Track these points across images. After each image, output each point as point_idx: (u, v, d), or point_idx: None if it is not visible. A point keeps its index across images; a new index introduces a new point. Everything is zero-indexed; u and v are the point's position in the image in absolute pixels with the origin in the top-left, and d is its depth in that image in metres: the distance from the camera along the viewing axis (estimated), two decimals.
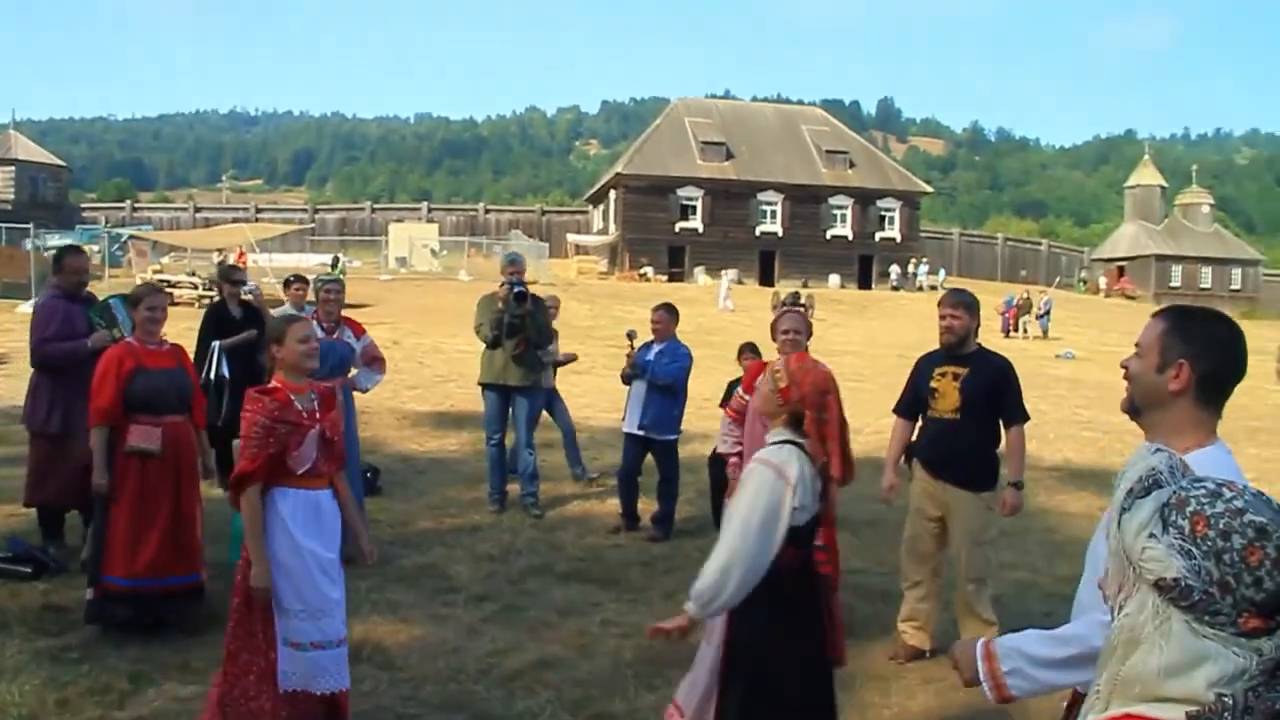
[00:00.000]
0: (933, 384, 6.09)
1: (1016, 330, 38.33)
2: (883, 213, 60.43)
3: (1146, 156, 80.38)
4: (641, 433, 8.66)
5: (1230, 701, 1.49)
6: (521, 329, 8.99)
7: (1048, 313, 39.10)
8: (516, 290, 8.95)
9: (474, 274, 45.77)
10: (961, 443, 5.96)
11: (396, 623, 6.22)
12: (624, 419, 8.92)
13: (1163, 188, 76.21)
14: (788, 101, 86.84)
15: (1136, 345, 2.63)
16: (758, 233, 58.74)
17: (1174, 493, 1.60)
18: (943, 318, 6.15)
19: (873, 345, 31.49)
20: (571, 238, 62.81)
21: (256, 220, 59.77)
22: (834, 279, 56.45)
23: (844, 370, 19.44)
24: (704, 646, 4.03)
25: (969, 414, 5.95)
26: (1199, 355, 2.49)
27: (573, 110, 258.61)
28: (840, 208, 59.71)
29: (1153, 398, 2.56)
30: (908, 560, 6.25)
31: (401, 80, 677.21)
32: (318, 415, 4.47)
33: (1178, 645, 1.54)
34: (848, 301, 47.19)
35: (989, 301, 48.26)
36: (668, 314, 8.92)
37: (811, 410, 3.72)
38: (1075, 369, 28.00)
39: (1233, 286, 71.38)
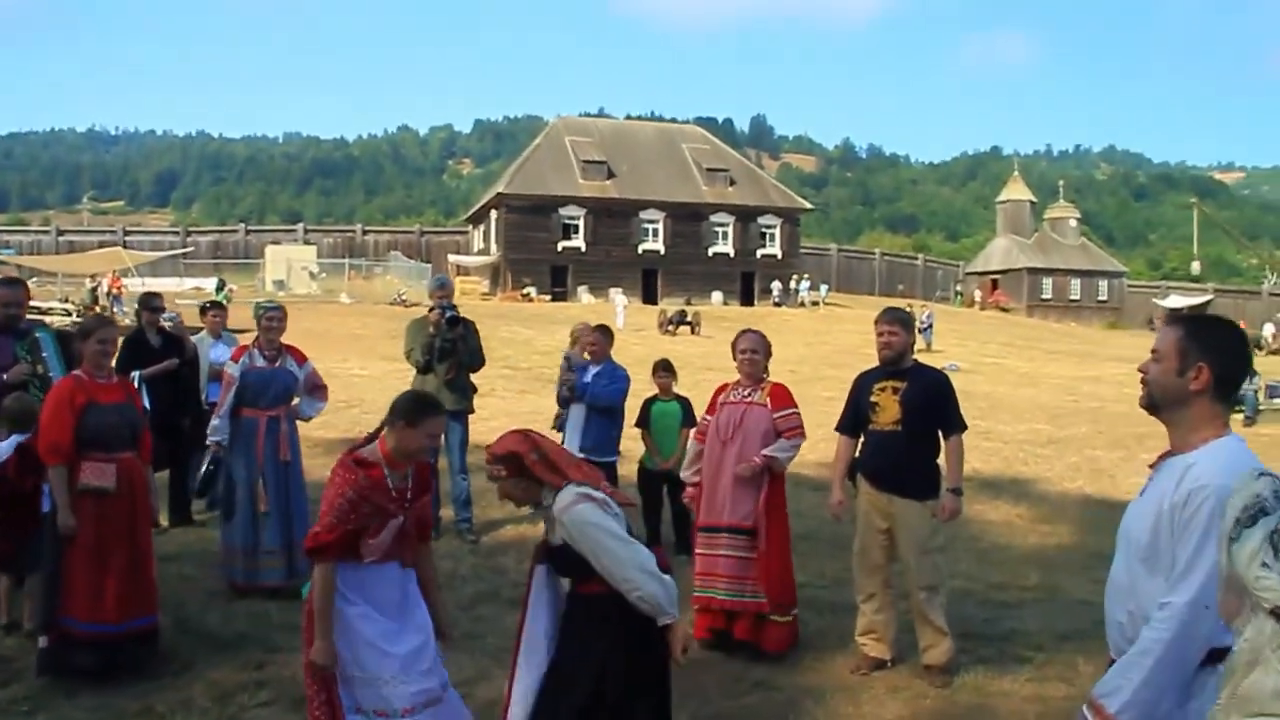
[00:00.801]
0: (873, 399, 6.21)
1: None
2: (764, 230, 61.30)
3: (1016, 173, 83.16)
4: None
5: None
6: (453, 353, 8.90)
7: (930, 326, 40.04)
8: (449, 315, 8.87)
9: (355, 296, 45.07)
10: (904, 454, 6.10)
11: None
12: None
13: (1032, 203, 78.86)
14: (662, 119, 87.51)
15: (1154, 350, 2.93)
16: (640, 251, 59.03)
17: None
18: (880, 334, 6.28)
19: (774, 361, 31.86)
20: (453, 258, 62.20)
21: (125, 243, 57.83)
22: (716, 296, 57.02)
23: None
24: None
25: (910, 426, 6.09)
26: (1215, 358, 2.82)
27: (446, 129, 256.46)
28: (721, 225, 60.40)
29: (1173, 397, 2.87)
30: (860, 573, 6.33)
31: (269, 98, 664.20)
32: (408, 497, 4.22)
33: None
34: (732, 318, 47.59)
35: (870, 316, 49.56)
36: (603, 335, 8.94)
37: (528, 457, 3.85)
38: (963, 381, 28.57)
39: (1100, 298, 74.19)
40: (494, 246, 59.65)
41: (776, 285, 58.40)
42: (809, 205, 68.80)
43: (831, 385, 19.10)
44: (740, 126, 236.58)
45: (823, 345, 37.18)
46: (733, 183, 61.68)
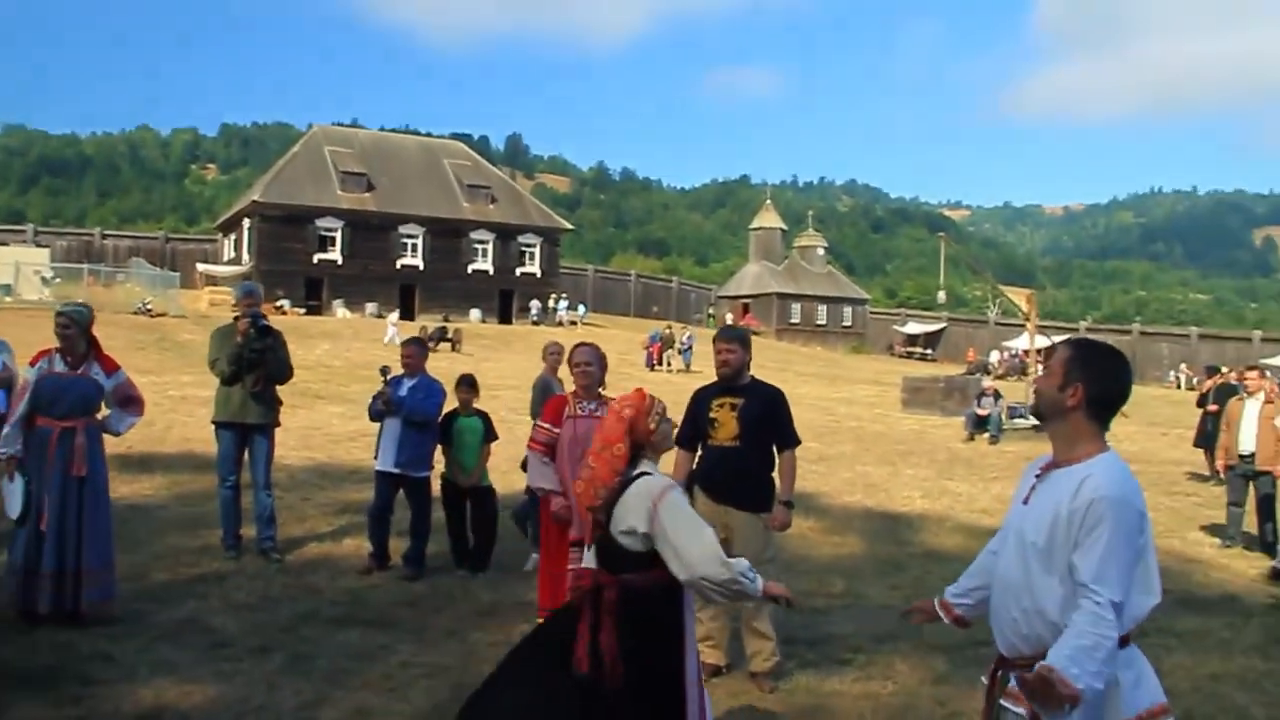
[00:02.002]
0: (711, 415, 6.36)
1: (661, 364, 39.98)
2: (523, 248, 61.32)
3: (768, 201, 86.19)
4: (397, 470, 8.45)
5: None
6: (262, 364, 8.55)
7: (690, 348, 41.04)
8: (260, 323, 8.53)
9: (94, 304, 42.16)
10: (741, 468, 6.28)
11: (185, 684, 5.73)
12: (376, 457, 8.66)
13: (783, 230, 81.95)
14: (418, 133, 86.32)
15: (1047, 366, 3.28)
16: (398, 266, 57.97)
17: None
18: (719, 353, 6.45)
19: (528, 379, 31.88)
20: (201, 267, 59.43)
21: None
22: (475, 313, 56.65)
23: (510, 403, 19.69)
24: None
25: (747, 441, 6.28)
26: (1091, 380, 3.16)
27: (190, 132, 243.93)
28: (481, 242, 60.07)
29: (1053, 409, 3.23)
30: None
31: None
32: None
33: None
34: (491, 336, 47.51)
35: (628, 337, 50.09)
36: (419, 349, 8.83)
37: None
38: None
39: (845, 323, 77.74)
40: (246, 256, 57.37)
41: (535, 304, 58.61)
42: (569, 225, 69.35)
43: None
44: (496, 144, 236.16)
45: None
46: (494, 200, 61.48)
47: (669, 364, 40.21)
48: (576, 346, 6.97)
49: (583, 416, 6.64)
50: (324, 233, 56.30)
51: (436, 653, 6.53)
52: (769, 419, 6.35)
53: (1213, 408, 15.70)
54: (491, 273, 60.14)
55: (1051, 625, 3.07)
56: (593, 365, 6.76)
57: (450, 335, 42.51)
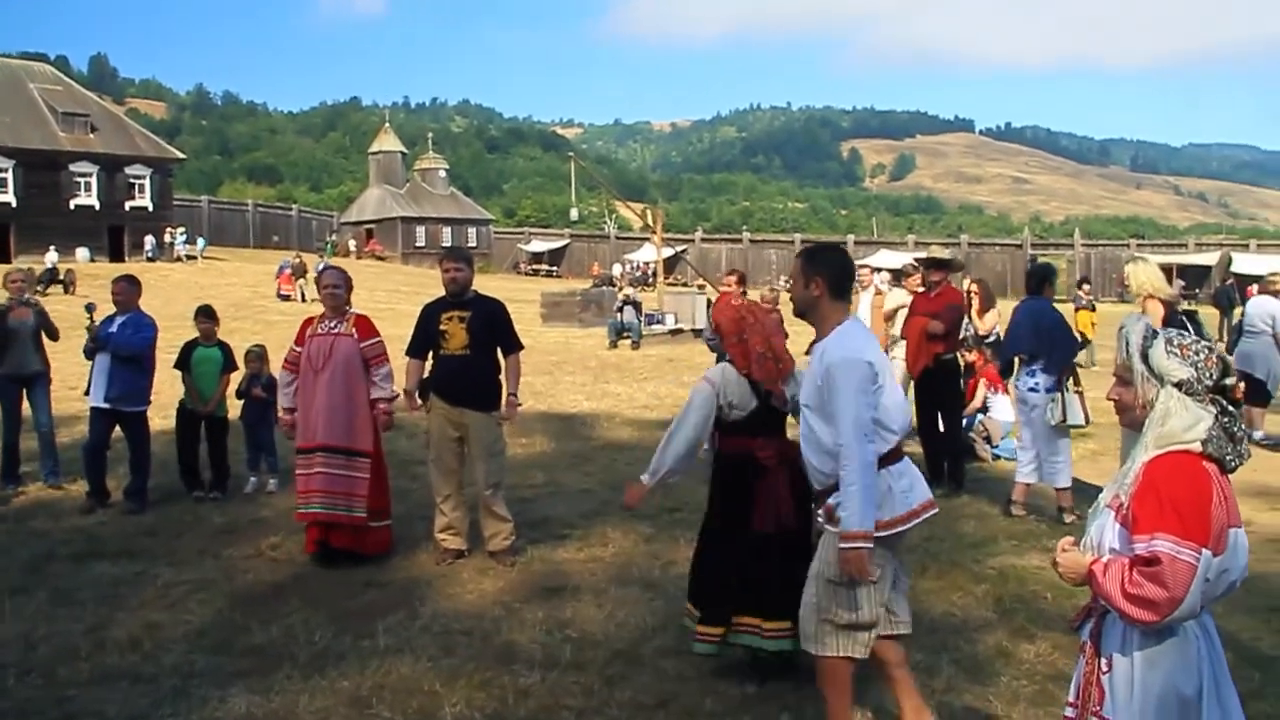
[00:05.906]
0: (442, 327, 7.12)
1: (294, 295, 39.00)
2: (132, 180, 57.66)
3: (387, 125, 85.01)
4: (109, 406, 8.56)
5: (1215, 433, 2.76)
6: None
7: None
8: None
9: None
10: (473, 373, 7.07)
11: None
12: (89, 393, 8.72)
13: (403, 154, 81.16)
14: None
15: (790, 278, 4.27)
16: None
17: (1166, 335, 2.91)
18: (447, 271, 7.22)
19: (162, 317, 30.63)
20: None
21: None
22: (82, 252, 52.81)
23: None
24: None
25: (476, 349, 7.08)
26: (825, 272, 4.15)
27: None
28: (84, 175, 55.87)
29: (806, 304, 4.18)
30: (437, 477, 7.24)
31: None
32: None
33: (1190, 414, 2.80)
34: (106, 275, 44.07)
35: (254, 269, 48.47)
36: (129, 285, 8.92)
37: (731, 338, 4.99)
38: (381, 327, 29.70)
39: (470, 244, 78.07)
40: None
41: (150, 239, 55.38)
42: (181, 155, 65.80)
43: (249, 336, 19.13)
44: (78, 66, 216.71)
45: (213, 299, 35.53)
46: (94, 129, 57.18)
47: (303, 294, 39.33)
48: (325, 270, 7.55)
49: (321, 335, 7.23)
50: None
51: (196, 571, 6.95)
52: (494, 328, 7.15)
53: None
54: (98, 208, 56.23)
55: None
56: (340, 288, 7.31)
57: (62, 277, 39.78)
